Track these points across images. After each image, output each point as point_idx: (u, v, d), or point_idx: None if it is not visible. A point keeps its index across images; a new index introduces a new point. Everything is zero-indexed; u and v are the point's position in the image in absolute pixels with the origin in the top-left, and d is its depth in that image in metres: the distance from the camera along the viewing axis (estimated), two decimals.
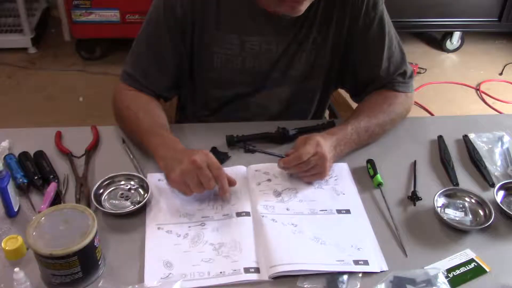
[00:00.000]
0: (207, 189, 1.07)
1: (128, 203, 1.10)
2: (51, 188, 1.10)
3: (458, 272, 0.98)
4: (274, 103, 1.42)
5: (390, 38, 1.32)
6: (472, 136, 1.32)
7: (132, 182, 1.14)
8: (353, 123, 1.25)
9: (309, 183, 1.18)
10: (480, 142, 1.31)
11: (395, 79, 1.34)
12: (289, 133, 1.28)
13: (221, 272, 0.96)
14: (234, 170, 1.19)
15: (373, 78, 1.35)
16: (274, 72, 1.35)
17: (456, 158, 1.27)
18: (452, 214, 1.10)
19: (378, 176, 1.17)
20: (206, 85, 1.39)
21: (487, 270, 0.99)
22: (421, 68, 3.33)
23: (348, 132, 1.23)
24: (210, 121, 1.46)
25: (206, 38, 1.28)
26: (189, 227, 1.06)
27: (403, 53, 1.36)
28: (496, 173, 1.23)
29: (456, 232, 1.07)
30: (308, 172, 1.15)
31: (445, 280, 0.95)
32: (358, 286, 0.95)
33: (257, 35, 1.28)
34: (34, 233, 0.90)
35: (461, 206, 1.11)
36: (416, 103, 3.07)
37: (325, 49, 1.33)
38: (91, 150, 1.24)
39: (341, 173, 1.21)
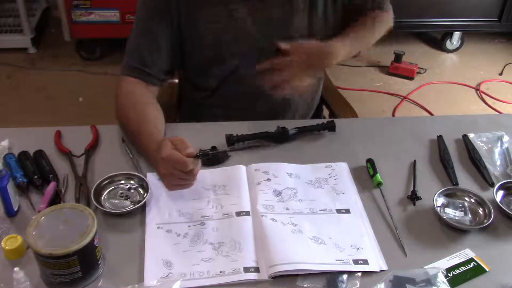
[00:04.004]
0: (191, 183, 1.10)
1: (127, 202, 1.10)
2: (51, 188, 1.10)
3: (457, 271, 0.98)
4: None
5: None
6: (471, 136, 1.32)
7: (131, 182, 1.14)
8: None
9: (315, 75, 1.27)
10: (479, 142, 1.31)
11: (379, 4, 1.46)
12: (288, 132, 1.28)
13: (220, 272, 0.96)
14: (234, 169, 1.19)
15: (361, 11, 1.46)
16: (266, 39, 1.35)
17: (455, 158, 1.27)
18: (451, 213, 1.10)
19: (378, 175, 1.17)
20: (202, 63, 1.40)
21: (487, 269, 0.99)
22: (421, 68, 3.33)
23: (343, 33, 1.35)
24: (212, 103, 1.46)
25: (194, 15, 1.30)
26: (189, 226, 1.06)
27: None
28: (495, 173, 1.23)
29: (455, 231, 1.07)
30: (308, 61, 1.23)
31: (445, 280, 0.95)
32: (358, 285, 0.95)
33: (242, 2, 1.29)
34: (33, 233, 0.90)
35: (460, 205, 1.11)
36: (416, 103, 3.08)
37: (316, 12, 1.36)
38: (91, 149, 1.24)
39: (340, 172, 1.21)
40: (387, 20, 1.48)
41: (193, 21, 1.30)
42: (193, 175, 1.08)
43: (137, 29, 1.32)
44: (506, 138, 1.31)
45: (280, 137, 1.28)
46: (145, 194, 1.10)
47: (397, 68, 3.28)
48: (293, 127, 1.30)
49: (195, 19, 1.30)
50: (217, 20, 1.30)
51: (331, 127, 1.31)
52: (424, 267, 0.98)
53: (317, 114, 1.53)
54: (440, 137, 1.32)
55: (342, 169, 1.22)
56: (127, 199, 1.10)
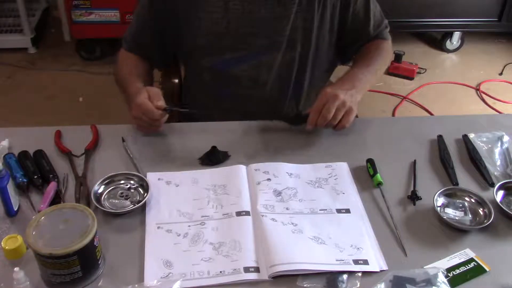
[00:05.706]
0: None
1: (128, 202, 1.10)
2: (51, 188, 1.10)
3: (457, 271, 0.98)
4: (263, 73, 1.43)
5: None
6: (471, 136, 1.32)
7: (131, 181, 1.14)
8: (355, 66, 1.39)
9: (344, 127, 1.24)
10: (479, 142, 1.31)
11: (380, 32, 1.50)
12: (302, 114, 1.29)
13: (221, 272, 0.96)
14: (234, 169, 1.19)
15: (361, 36, 1.46)
16: (259, 36, 1.37)
17: (455, 158, 1.27)
18: (451, 213, 1.10)
19: (378, 175, 1.17)
20: (194, 52, 1.43)
21: (487, 269, 0.99)
22: (421, 68, 3.33)
23: (353, 71, 1.35)
24: (207, 101, 1.51)
25: (191, 2, 1.34)
26: (189, 226, 1.06)
27: (379, 6, 1.49)
28: (495, 173, 1.23)
29: (455, 231, 1.07)
30: (335, 119, 1.22)
31: (445, 280, 0.95)
32: (358, 285, 0.95)
33: None
34: (34, 233, 0.90)
35: (460, 205, 1.11)
36: (416, 103, 3.07)
37: (311, 13, 1.36)
38: (91, 149, 1.24)
39: (341, 172, 1.21)
40: (388, 51, 1.50)
41: (190, 8, 1.34)
42: (158, 124, 1.24)
43: (137, 10, 1.43)
44: (506, 138, 1.31)
45: (296, 119, 1.31)
46: (145, 194, 1.10)
47: (397, 68, 3.28)
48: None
49: (192, 5, 1.34)
50: (213, 10, 1.33)
51: None
52: (424, 267, 0.98)
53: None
54: (440, 137, 1.32)
55: (342, 169, 1.22)
56: (127, 199, 1.10)
